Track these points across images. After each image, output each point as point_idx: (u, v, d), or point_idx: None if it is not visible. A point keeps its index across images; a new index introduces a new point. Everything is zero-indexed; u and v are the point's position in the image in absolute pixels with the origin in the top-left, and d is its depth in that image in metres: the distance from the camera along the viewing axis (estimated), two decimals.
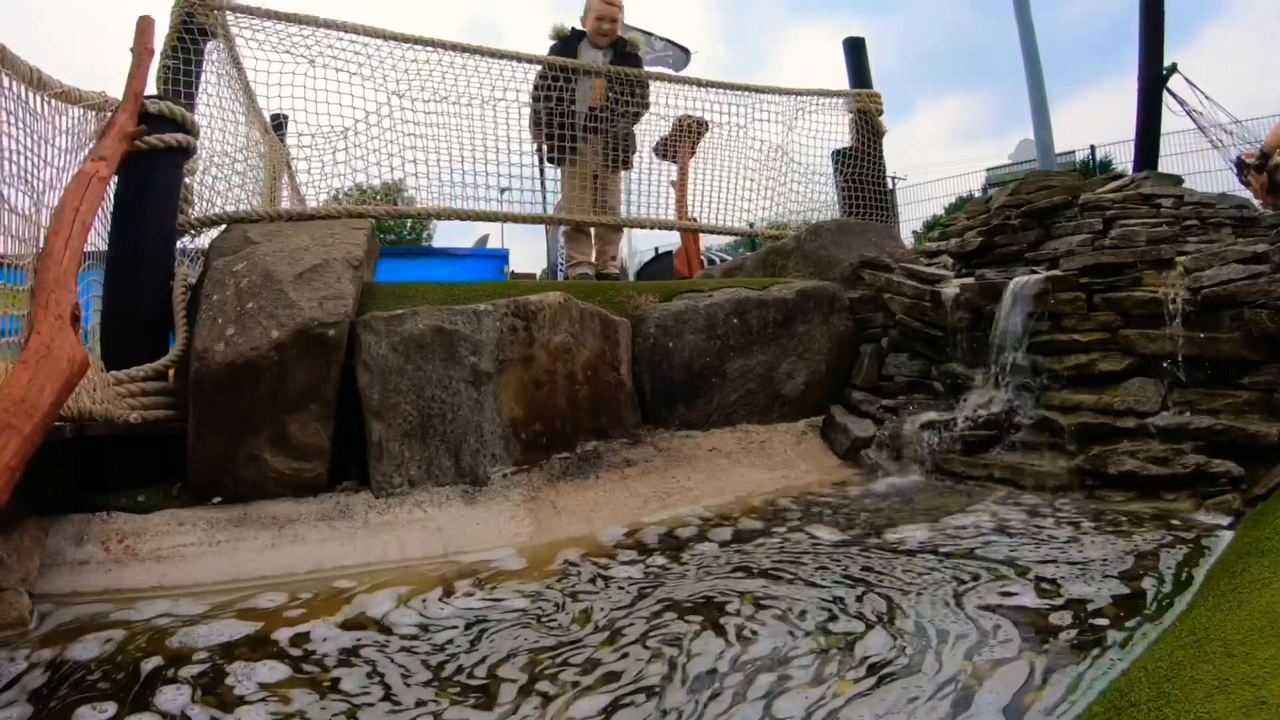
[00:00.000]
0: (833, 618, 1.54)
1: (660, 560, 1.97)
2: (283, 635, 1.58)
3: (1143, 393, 2.40)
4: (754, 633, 1.49)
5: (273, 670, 1.42)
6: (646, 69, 4.58)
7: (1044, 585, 1.61)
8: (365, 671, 1.42)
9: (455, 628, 1.60)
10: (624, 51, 4.43)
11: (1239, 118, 5.22)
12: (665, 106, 4.42)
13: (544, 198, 4.35)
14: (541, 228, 8.43)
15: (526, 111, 4.01)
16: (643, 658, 1.41)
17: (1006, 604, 1.54)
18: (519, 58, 3.94)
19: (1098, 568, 1.68)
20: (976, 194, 12.84)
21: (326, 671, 1.42)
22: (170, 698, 1.32)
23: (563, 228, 5.12)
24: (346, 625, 1.63)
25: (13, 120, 2.07)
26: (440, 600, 1.76)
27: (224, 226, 2.96)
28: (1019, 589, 1.60)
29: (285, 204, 3.95)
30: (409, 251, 10.67)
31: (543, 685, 1.34)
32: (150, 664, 1.45)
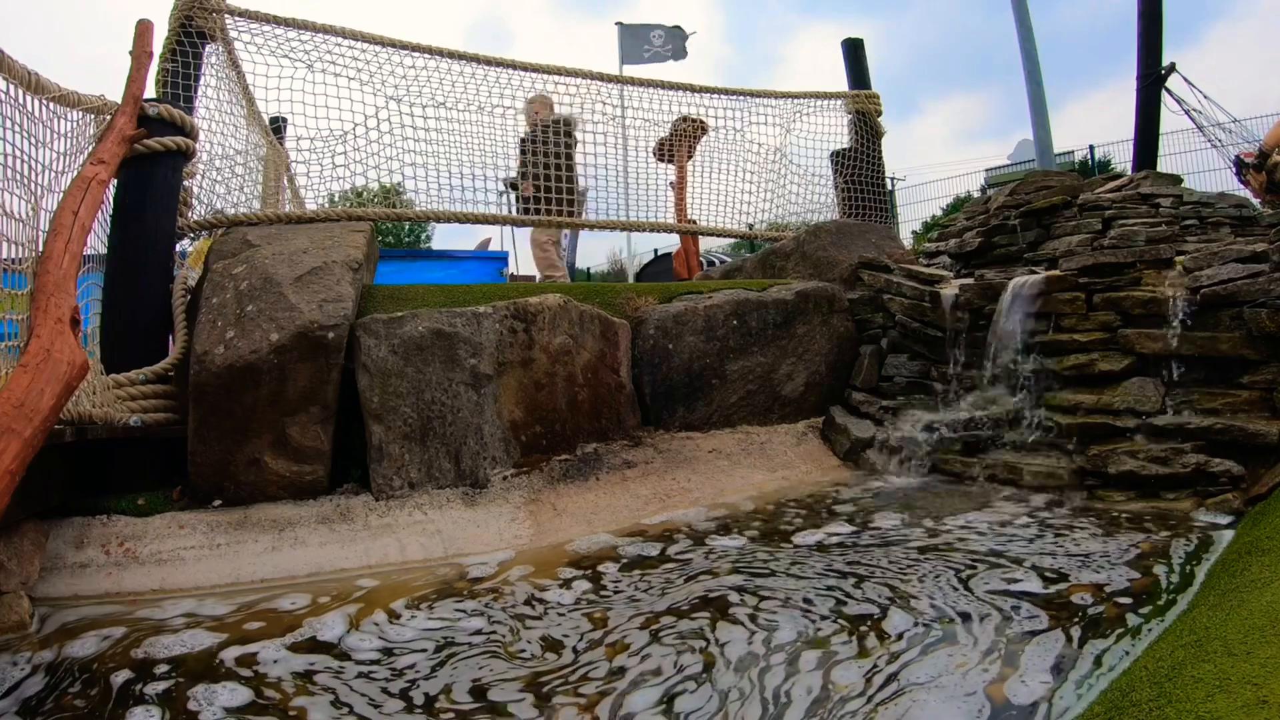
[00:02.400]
0: (842, 603, 1.58)
1: (662, 562, 1.97)
2: (283, 639, 1.58)
3: (1142, 392, 2.40)
4: (770, 622, 1.52)
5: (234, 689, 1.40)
6: (642, 71, 4.59)
7: (1048, 576, 1.62)
8: (348, 676, 1.42)
9: (459, 631, 1.60)
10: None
11: (1238, 117, 5.23)
12: (663, 111, 4.43)
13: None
14: None
15: (522, 118, 4.05)
16: (680, 647, 1.42)
17: (1013, 589, 1.57)
18: (514, 65, 3.96)
19: (1099, 561, 1.69)
20: (975, 194, 12.86)
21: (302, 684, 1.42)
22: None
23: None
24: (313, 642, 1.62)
25: (10, 124, 2.07)
26: (442, 604, 1.76)
27: (223, 229, 2.97)
28: (1022, 576, 1.64)
29: (285, 207, 3.96)
30: (408, 254, 10.67)
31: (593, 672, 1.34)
32: (122, 674, 1.44)
